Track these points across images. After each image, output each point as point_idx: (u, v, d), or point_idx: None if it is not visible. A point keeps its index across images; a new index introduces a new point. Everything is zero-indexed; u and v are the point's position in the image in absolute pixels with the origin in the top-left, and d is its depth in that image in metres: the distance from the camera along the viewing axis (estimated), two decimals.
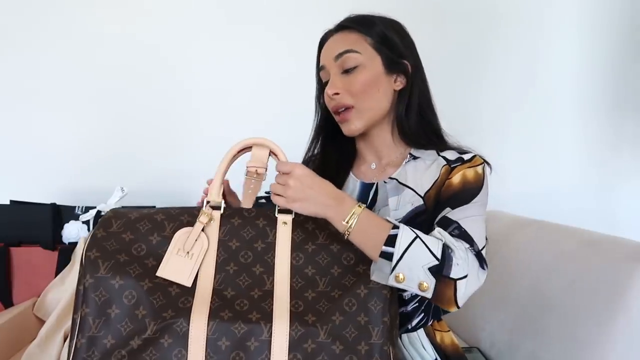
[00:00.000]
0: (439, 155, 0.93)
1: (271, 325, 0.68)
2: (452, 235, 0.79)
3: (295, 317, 0.70)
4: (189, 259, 0.73)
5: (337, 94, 0.92)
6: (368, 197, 0.96)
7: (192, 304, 0.70)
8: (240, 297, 0.72)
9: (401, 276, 0.72)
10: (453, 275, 0.73)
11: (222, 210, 0.78)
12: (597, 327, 0.95)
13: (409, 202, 0.90)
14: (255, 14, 1.83)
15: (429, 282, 0.72)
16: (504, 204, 1.63)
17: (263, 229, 0.78)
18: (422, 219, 0.88)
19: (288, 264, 0.75)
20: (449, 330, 0.98)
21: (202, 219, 0.75)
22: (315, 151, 1.05)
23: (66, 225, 1.55)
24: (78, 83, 1.79)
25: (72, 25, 1.78)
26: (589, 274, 1.04)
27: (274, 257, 0.76)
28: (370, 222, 0.75)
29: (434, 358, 0.92)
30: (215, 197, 0.78)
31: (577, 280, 1.05)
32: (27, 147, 1.79)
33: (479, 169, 0.88)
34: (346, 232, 0.75)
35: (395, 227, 0.75)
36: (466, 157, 0.90)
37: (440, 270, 0.72)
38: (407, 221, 0.88)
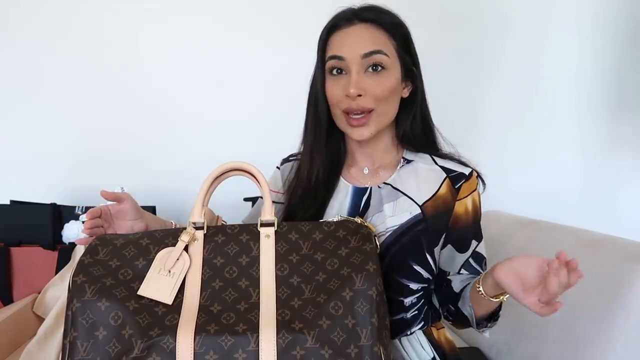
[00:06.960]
0: (435, 163, 0.93)
1: (258, 335, 0.68)
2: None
3: (282, 325, 0.69)
4: (170, 278, 0.74)
5: (360, 95, 0.86)
6: (361, 202, 0.94)
7: (178, 321, 0.70)
8: (226, 311, 0.72)
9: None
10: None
11: (205, 230, 0.79)
12: (596, 327, 0.95)
13: (407, 210, 0.89)
14: (253, 16, 1.83)
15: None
16: (504, 204, 1.63)
17: (247, 243, 0.78)
18: (420, 228, 0.89)
19: (273, 275, 0.75)
20: (443, 327, 0.98)
21: (184, 237, 0.76)
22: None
23: (66, 225, 1.55)
24: (78, 83, 1.79)
25: (72, 26, 1.78)
26: (589, 274, 1.03)
27: (259, 270, 0.76)
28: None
29: (432, 357, 0.91)
30: (198, 218, 0.79)
31: None
32: (27, 147, 1.79)
33: (479, 189, 0.93)
34: (496, 298, 0.79)
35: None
36: (467, 171, 0.92)
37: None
38: (405, 229, 0.88)
